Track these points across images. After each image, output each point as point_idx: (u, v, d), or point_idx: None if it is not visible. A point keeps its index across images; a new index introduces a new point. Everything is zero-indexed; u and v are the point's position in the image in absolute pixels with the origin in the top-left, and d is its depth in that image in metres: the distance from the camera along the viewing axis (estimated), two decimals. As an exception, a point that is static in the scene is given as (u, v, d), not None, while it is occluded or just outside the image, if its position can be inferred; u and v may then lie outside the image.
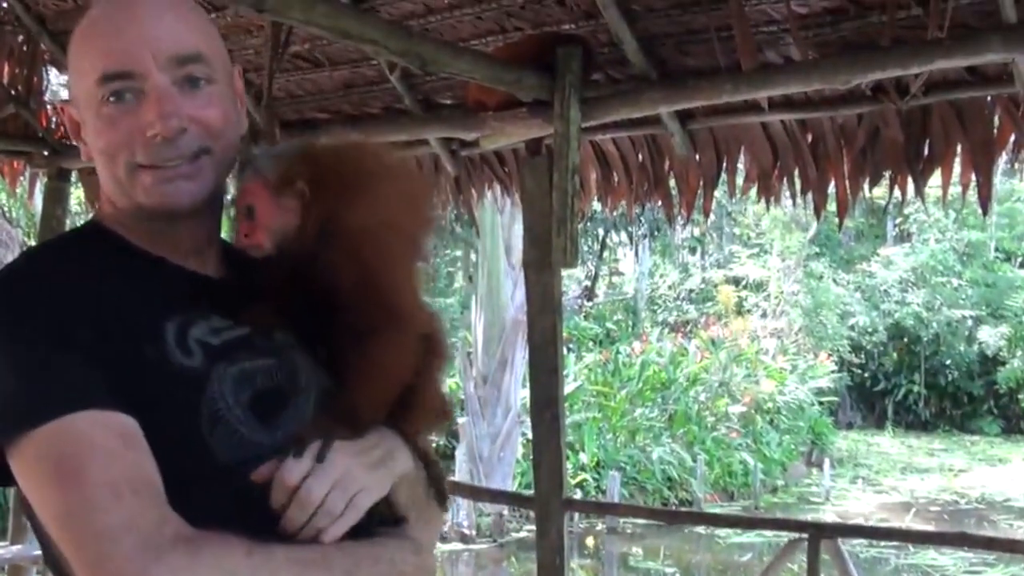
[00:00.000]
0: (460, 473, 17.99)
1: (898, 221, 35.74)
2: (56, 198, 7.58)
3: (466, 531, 17.79)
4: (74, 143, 2.01)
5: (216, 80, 1.91)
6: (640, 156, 5.83)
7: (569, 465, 16.96)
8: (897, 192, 5.09)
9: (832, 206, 5.73)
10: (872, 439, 32.86)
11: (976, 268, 34.07)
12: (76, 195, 12.63)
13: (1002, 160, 5.27)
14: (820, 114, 5.04)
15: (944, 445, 32.16)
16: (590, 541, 19.19)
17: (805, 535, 5.82)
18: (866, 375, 35.07)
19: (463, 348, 19.93)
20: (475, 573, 17.72)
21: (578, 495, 17.56)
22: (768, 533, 15.37)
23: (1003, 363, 33.18)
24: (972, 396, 34.90)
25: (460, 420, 18.03)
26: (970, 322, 33.48)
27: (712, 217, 31.81)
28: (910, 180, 4.97)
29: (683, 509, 19.35)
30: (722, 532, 18.94)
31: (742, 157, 5.50)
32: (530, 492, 6.24)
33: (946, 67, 4.38)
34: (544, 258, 5.16)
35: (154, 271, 1.92)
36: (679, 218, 5.98)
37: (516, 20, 5.22)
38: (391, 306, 1.85)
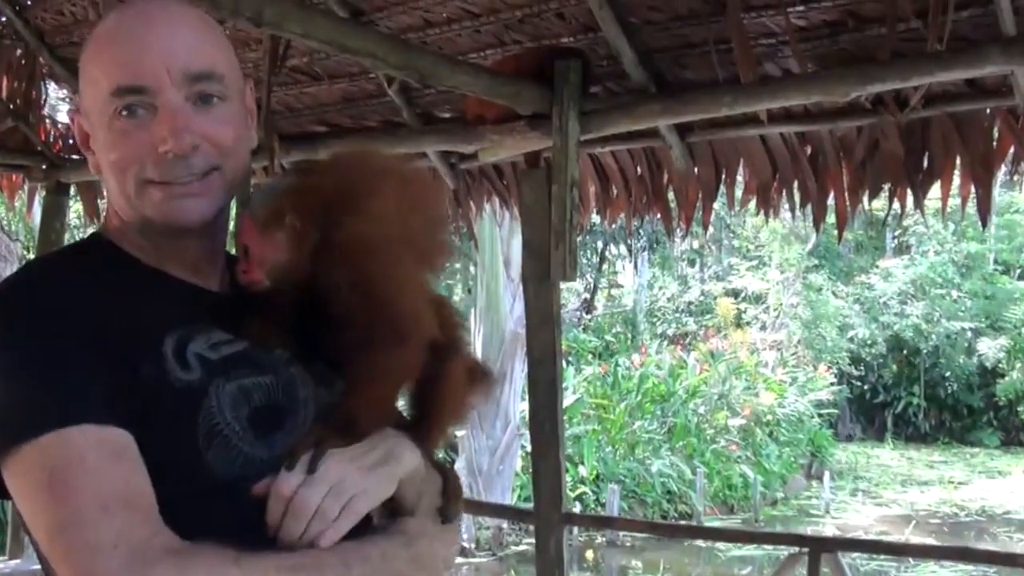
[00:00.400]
0: (459, 486, 17.91)
1: (897, 233, 35.69)
2: (55, 212, 7.59)
3: (465, 544, 17.75)
4: (80, 154, 2.01)
5: (229, 97, 1.92)
6: (639, 169, 5.84)
7: (568, 478, 16.95)
8: (896, 204, 5.09)
9: (831, 218, 5.73)
10: (872, 451, 32.79)
11: (975, 280, 34.02)
12: (75, 208, 12.65)
13: (1001, 172, 5.27)
14: (819, 127, 5.04)
15: (944, 457, 32.09)
16: (589, 554, 19.14)
17: (806, 550, 5.81)
18: (866, 387, 34.99)
19: (462, 361, 19.84)
20: (474, 586, 17.69)
21: (577, 508, 17.52)
22: (768, 547, 15.33)
23: (1002, 375, 33.09)
24: (972, 408, 34.81)
25: (459, 433, 17.98)
26: (969, 334, 33.40)
27: (711, 229, 31.82)
28: (909, 192, 4.98)
29: (683, 523, 19.31)
30: (722, 545, 18.89)
31: (741, 170, 5.50)
32: (529, 506, 6.23)
33: (945, 80, 4.38)
34: (543, 271, 5.16)
35: (156, 284, 1.92)
36: (678, 231, 5.98)
37: (515, 33, 5.23)
38: (390, 315, 1.84)
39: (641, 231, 28.83)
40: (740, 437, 23.87)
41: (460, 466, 18.32)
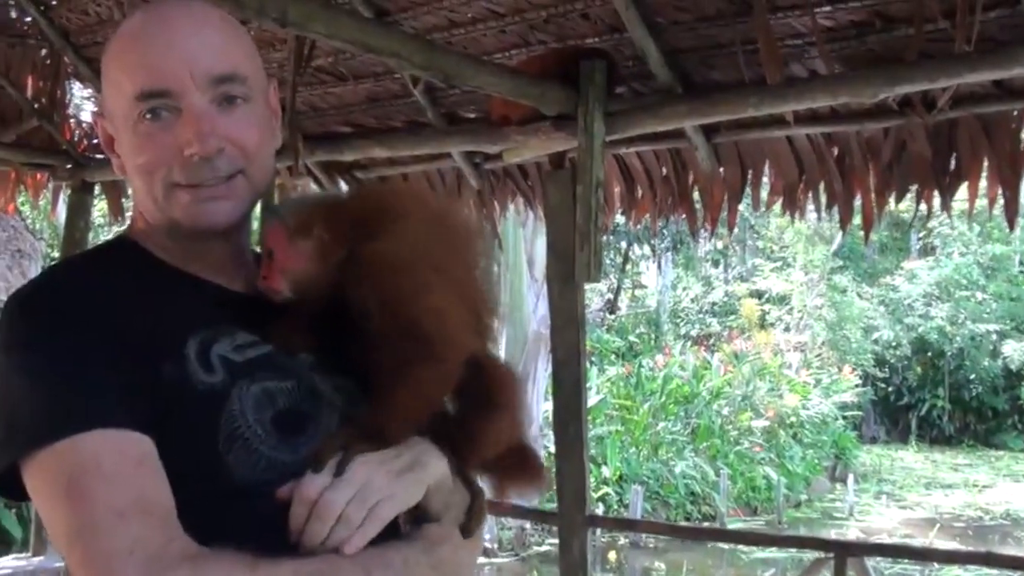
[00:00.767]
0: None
1: (922, 235, 35.59)
2: (79, 210, 7.61)
3: (488, 545, 17.74)
4: (104, 153, 2.00)
5: (252, 98, 1.91)
6: (664, 170, 5.82)
7: (591, 479, 16.92)
8: (923, 206, 5.06)
9: (857, 220, 5.70)
10: (896, 454, 32.71)
11: (1000, 282, 33.90)
12: (99, 207, 12.69)
13: (1029, 174, 5.23)
14: (846, 128, 5.01)
15: (968, 460, 31.98)
16: (612, 555, 19.10)
17: (831, 554, 5.79)
18: (890, 389, 34.92)
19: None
20: (497, 587, 17.68)
21: (600, 509, 17.49)
22: (792, 549, 15.28)
23: (1027, 378, 33.04)
24: (996, 411, 34.70)
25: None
26: (994, 336, 33.29)
27: (735, 230, 31.76)
28: (936, 194, 4.94)
29: (706, 525, 19.27)
30: (745, 548, 18.79)
31: (767, 171, 5.48)
32: (552, 507, 6.22)
33: (973, 81, 4.36)
34: (568, 272, 5.14)
35: (181, 285, 1.91)
36: (703, 232, 5.97)
37: (540, 34, 5.21)
38: (422, 335, 1.82)
39: (665, 231, 28.82)
40: (764, 439, 23.83)
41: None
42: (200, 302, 1.90)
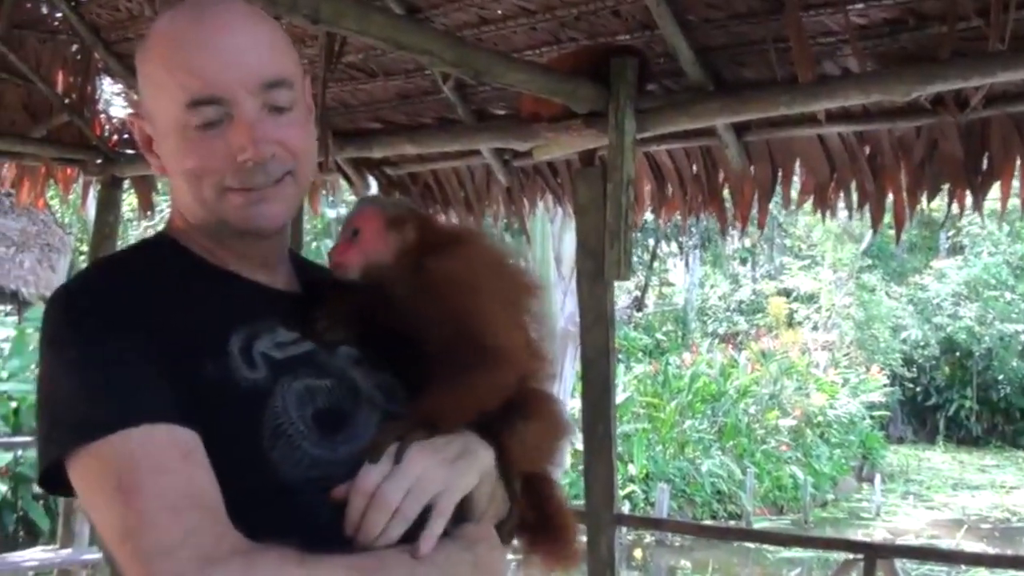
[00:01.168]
0: (508, 484, 17.94)
1: (951, 234, 35.45)
2: (109, 205, 7.65)
3: (514, 541, 17.74)
4: (134, 148, 2.00)
5: (297, 100, 1.92)
6: (695, 168, 5.80)
7: (618, 476, 16.90)
8: (954, 205, 5.03)
9: (887, 219, 5.68)
10: (923, 454, 32.58)
11: (1030, 282, 33.76)
12: (128, 202, 12.74)
13: (1062, 173, 5.20)
14: (878, 126, 5.00)
15: (996, 461, 31.82)
16: (638, 553, 19.11)
17: (860, 556, 5.77)
18: (918, 389, 34.77)
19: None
20: (522, 584, 17.66)
21: (626, 507, 17.48)
22: (818, 549, 15.24)
23: (1056, 379, 32.88)
24: (1024, 412, 34.58)
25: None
26: (1023, 337, 33.13)
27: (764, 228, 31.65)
28: (968, 193, 4.91)
29: (733, 524, 19.24)
30: (771, 547, 18.78)
31: (797, 169, 5.46)
32: (580, 504, 6.22)
33: (1007, 80, 4.33)
34: (597, 270, 5.14)
35: (222, 283, 1.92)
36: (732, 229, 5.95)
37: (571, 31, 5.21)
38: (484, 346, 1.87)
39: (693, 229, 28.76)
40: (791, 438, 23.78)
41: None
42: (241, 299, 1.91)
